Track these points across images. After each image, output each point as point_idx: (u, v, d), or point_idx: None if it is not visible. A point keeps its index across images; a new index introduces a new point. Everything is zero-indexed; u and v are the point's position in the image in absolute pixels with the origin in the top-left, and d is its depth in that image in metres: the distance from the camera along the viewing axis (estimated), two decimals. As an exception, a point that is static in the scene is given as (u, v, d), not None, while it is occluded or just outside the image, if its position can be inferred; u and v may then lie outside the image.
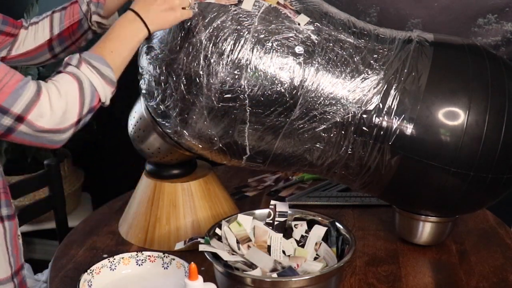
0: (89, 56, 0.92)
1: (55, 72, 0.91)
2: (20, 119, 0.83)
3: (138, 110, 1.26)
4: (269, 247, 1.12)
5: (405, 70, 1.10)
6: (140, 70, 1.15)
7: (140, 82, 1.16)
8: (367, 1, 1.84)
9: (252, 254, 1.06)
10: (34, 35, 1.16)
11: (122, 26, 0.98)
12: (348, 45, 1.09)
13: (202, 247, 1.01)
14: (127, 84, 1.71)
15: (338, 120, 1.09)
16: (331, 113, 1.08)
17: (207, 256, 1.00)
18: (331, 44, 1.08)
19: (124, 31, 0.97)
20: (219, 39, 1.03)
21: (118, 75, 0.96)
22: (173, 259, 1.11)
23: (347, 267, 1.18)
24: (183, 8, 1.01)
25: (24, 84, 0.84)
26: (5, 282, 1.02)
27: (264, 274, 1.03)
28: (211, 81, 1.04)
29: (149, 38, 1.01)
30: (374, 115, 1.09)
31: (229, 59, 1.03)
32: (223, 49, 1.03)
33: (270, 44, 1.04)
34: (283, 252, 1.12)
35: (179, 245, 1.08)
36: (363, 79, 1.09)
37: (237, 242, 1.09)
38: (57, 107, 0.85)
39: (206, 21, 1.04)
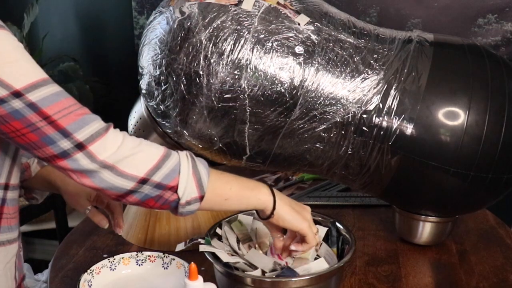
0: (198, 158, 0.87)
1: None
2: (80, 146, 0.78)
3: (138, 110, 1.26)
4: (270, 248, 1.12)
5: (405, 70, 1.10)
6: (140, 70, 1.15)
7: (140, 82, 1.16)
8: (367, 1, 1.84)
9: (252, 256, 1.06)
10: None
11: (251, 179, 0.94)
12: (348, 45, 1.09)
13: (202, 248, 1.01)
14: (127, 84, 1.71)
15: (338, 120, 1.09)
16: (331, 113, 1.08)
17: (207, 256, 1.00)
18: (331, 44, 1.08)
19: (250, 180, 0.93)
20: (219, 39, 1.03)
21: (213, 201, 0.88)
22: (173, 259, 1.11)
23: (347, 267, 1.18)
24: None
25: (94, 117, 0.81)
26: None
27: (264, 274, 1.03)
28: (211, 81, 1.04)
29: (266, 217, 0.96)
30: (374, 115, 1.09)
31: (229, 59, 1.03)
32: (223, 49, 1.03)
33: (270, 44, 1.04)
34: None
35: (180, 246, 1.08)
36: (363, 79, 1.09)
37: (238, 241, 1.09)
38: (127, 147, 0.80)
39: (206, 21, 1.04)
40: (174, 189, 0.84)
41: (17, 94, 0.76)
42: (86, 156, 0.79)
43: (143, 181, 0.82)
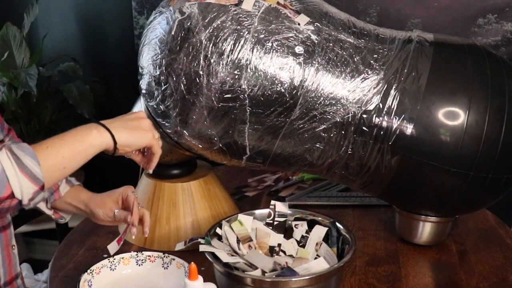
0: (16, 144, 0.80)
1: None
2: None
3: (138, 110, 1.26)
4: (270, 248, 1.12)
5: (405, 70, 1.10)
6: (140, 70, 1.15)
7: (140, 82, 1.16)
8: (367, 1, 1.84)
9: (252, 256, 1.06)
10: None
11: (74, 130, 0.87)
12: (348, 45, 1.10)
13: (202, 248, 1.01)
14: (127, 84, 1.71)
15: (338, 120, 1.09)
16: (331, 113, 1.08)
17: (207, 256, 1.00)
18: (331, 44, 1.08)
19: (75, 134, 0.86)
20: (219, 39, 1.03)
21: (53, 176, 0.83)
22: (173, 259, 1.11)
23: (347, 267, 1.18)
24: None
25: None
26: None
27: (264, 274, 1.03)
28: (211, 81, 1.04)
29: (112, 153, 0.91)
30: (374, 115, 1.09)
31: (229, 59, 1.03)
32: (223, 49, 1.03)
33: (270, 44, 1.04)
34: (284, 252, 1.12)
35: (180, 246, 1.08)
36: (363, 79, 1.09)
37: (238, 241, 1.09)
38: None
39: (206, 21, 1.04)
40: (11, 196, 0.79)
41: None
42: None
43: None
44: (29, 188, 0.79)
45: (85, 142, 0.87)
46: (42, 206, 1.14)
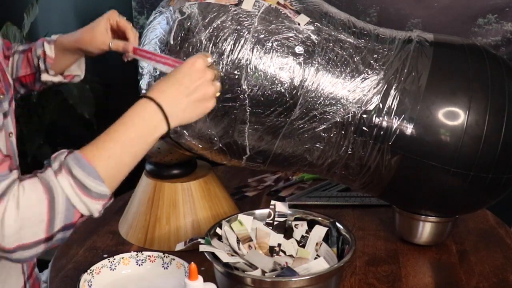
0: (75, 161, 0.76)
1: (32, 174, 0.78)
2: None
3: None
4: (270, 248, 1.12)
5: (405, 70, 1.10)
6: (140, 70, 1.15)
7: (140, 82, 1.16)
8: (367, 1, 1.84)
9: (252, 256, 1.06)
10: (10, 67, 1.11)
11: (135, 123, 0.80)
12: (348, 45, 1.10)
13: (202, 248, 1.01)
14: (127, 84, 1.71)
15: (338, 120, 1.09)
16: (331, 113, 1.08)
17: (207, 256, 1.00)
18: (331, 44, 1.08)
19: (137, 131, 0.80)
20: (219, 39, 1.03)
21: (117, 183, 0.80)
22: (173, 259, 1.11)
23: (347, 267, 1.18)
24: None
25: None
26: None
27: (264, 274, 1.03)
28: (211, 81, 1.03)
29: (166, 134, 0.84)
30: (374, 115, 1.09)
31: (229, 59, 1.03)
32: (223, 49, 1.03)
33: (270, 44, 1.04)
34: (284, 252, 1.12)
35: (180, 246, 1.08)
36: (363, 79, 1.09)
37: (238, 241, 1.09)
38: (9, 226, 0.72)
39: (206, 21, 1.04)
40: (82, 217, 0.78)
41: None
42: None
43: (49, 239, 0.76)
44: (97, 206, 0.78)
45: (151, 139, 0.82)
46: (47, 77, 1.09)
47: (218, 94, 0.88)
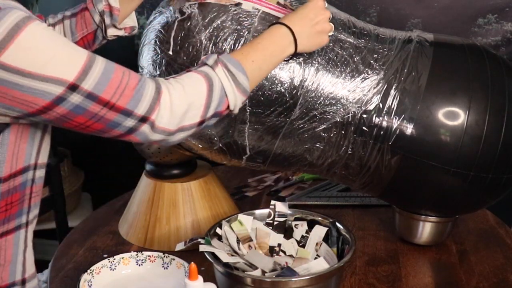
0: (228, 59, 0.88)
1: (184, 71, 0.89)
2: (143, 119, 0.81)
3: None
4: (270, 248, 1.12)
5: (405, 70, 1.10)
6: (140, 70, 1.15)
7: (140, 82, 1.16)
8: (367, 1, 1.84)
9: (252, 256, 1.06)
10: None
11: (272, 40, 0.95)
12: (348, 45, 1.09)
13: (202, 248, 1.01)
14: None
15: (338, 120, 1.09)
16: (331, 113, 1.08)
17: (207, 256, 1.00)
18: (331, 44, 1.08)
19: (273, 46, 0.95)
20: (219, 39, 1.03)
21: (253, 87, 0.93)
22: (173, 259, 1.11)
23: (347, 267, 1.18)
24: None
25: (143, 83, 0.82)
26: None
27: (264, 274, 1.03)
28: (211, 81, 1.03)
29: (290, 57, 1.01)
30: (374, 115, 1.09)
31: (229, 59, 1.03)
32: (223, 49, 1.03)
33: (270, 44, 1.04)
34: (284, 252, 1.12)
35: (180, 246, 1.08)
36: (363, 79, 1.09)
37: (238, 241, 1.09)
38: (178, 107, 0.83)
39: (206, 21, 1.04)
40: (227, 107, 0.90)
41: (73, 87, 0.76)
42: (149, 126, 0.82)
43: (201, 123, 0.87)
44: (241, 101, 0.90)
45: (282, 56, 0.97)
46: (113, 32, 1.13)
47: (331, 33, 1.02)
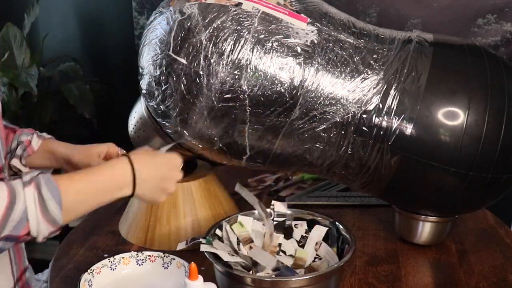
0: (46, 181, 0.80)
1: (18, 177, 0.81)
2: None
3: (139, 110, 1.26)
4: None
5: (405, 70, 1.10)
6: (140, 70, 1.15)
7: (140, 82, 1.16)
8: (367, 1, 1.84)
9: (256, 253, 1.06)
10: None
11: (111, 176, 0.90)
12: (348, 45, 1.10)
13: (203, 248, 1.01)
14: (128, 84, 1.71)
15: (338, 120, 1.09)
16: (331, 113, 1.08)
17: (208, 256, 1.00)
18: (331, 44, 1.08)
19: (109, 184, 0.89)
20: (219, 39, 1.03)
21: (70, 219, 0.84)
22: (173, 259, 1.11)
23: (347, 267, 1.18)
24: None
25: None
26: None
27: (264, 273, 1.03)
28: (211, 81, 1.04)
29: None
30: (374, 115, 1.09)
31: (229, 59, 1.03)
32: (223, 49, 1.03)
33: (270, 44, 1.04)
34: (284, 252, 1.12)
35: (181, 246, 1.08)
36: (363, 79, 1.09)
37: (238, 242, 1.09)
38: None
39: (206, 21, 1.04)
40: (28, 234, 0.80)
41: None
42: None
43: None
44: (46, 230, 0.81)
45: (115, 196, 0.91)
46: (16, 163, 1.10)
47: (179, 179, 1.01)
